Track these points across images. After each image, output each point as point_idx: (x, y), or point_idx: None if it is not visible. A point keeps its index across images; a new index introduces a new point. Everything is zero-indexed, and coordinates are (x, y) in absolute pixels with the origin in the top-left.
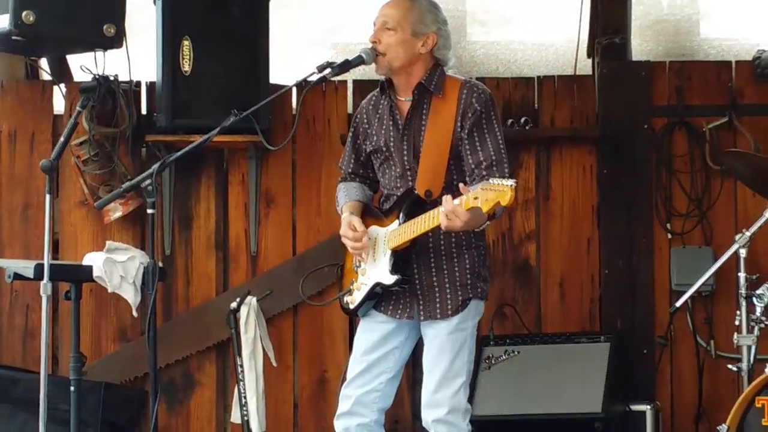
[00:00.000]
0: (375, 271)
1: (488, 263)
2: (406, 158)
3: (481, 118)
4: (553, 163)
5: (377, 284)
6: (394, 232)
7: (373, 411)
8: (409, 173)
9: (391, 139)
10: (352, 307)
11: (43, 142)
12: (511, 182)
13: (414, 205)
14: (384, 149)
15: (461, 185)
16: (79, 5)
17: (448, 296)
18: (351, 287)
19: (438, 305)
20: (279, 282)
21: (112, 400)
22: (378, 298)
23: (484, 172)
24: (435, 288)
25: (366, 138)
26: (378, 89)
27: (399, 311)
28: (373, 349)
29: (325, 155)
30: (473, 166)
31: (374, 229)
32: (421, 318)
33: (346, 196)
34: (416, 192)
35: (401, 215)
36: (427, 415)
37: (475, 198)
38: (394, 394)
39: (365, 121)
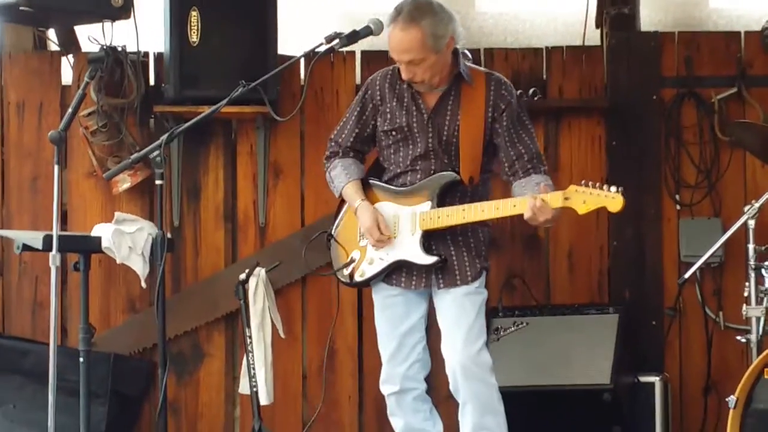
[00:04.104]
0: (397, 248)
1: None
2: (430, 141)
3: (515, 111)
4: (561, 134)
5: (400, 261)
6: (431, 214)
7: (420, 381)
8: (432, 155)
9: (414, 121)
10: (360, 279)
11: (51, 113)
12: (614, 188)
13: (448, 189)
14: (405, 129)
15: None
16: None
17: (467, 264)
18: (354, 259)
19: (458, 273)
20: (287, 253)
21: (121, 372)
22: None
23: (528, 165)
24: (453, 259)
25: (377, 115)
26: (395, 69)
27: (414, 282)
28: (400, 322)
29: (333, 126)
30: (514, 158)
31: (388, 205)
32: (441, 286)
33: (347, 174)
34: (459, 177)
35: (434, 198)
36: (457, 371)
37: (566, 198)
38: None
39: (378, 98)
